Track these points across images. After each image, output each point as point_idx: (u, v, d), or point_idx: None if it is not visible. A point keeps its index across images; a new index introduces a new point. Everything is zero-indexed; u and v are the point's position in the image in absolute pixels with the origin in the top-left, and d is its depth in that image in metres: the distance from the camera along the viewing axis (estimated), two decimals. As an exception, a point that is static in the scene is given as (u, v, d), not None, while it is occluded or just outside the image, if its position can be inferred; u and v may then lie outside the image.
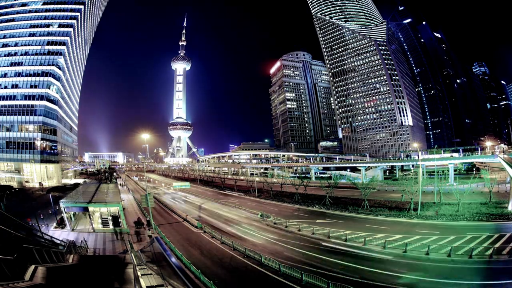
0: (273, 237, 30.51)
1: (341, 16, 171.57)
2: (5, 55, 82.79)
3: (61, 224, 35.39)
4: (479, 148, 76.98)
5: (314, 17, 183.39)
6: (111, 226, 35.34)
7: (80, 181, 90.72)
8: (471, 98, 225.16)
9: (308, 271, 19.88)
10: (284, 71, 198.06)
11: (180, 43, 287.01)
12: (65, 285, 10.75)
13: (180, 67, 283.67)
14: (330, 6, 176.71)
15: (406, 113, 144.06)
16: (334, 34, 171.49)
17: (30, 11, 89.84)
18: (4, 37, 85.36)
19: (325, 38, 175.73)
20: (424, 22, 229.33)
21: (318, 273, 19.71)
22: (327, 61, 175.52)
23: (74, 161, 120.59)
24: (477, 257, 21.66)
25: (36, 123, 77.38)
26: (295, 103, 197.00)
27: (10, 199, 50.18)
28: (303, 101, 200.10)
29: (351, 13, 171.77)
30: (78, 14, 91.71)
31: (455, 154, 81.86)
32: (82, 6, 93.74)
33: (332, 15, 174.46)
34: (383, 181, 73.32)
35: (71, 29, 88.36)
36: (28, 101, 77.94)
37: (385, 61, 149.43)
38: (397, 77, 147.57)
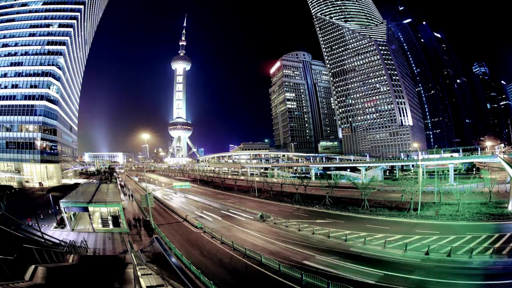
0: (273, 237, 30.51)
1: (341, 16, 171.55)
2: (5, 55, 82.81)
3: (61, 224, 35.38)
4: (479, 148, 76.95)
5: (314, 17, 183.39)
6: (111, 226, 35.35)
7: (80, 181, 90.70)
8: (471, 98, 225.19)
9: (308, 271, 19.87)
10: (284, 71, 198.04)
11: (180, 43, 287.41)
12: (65, 285, 10.74)
13: (180, 67, 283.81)
14: (330, 6, 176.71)
15: (406, 113, 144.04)
16: (334, 34, 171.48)
17: (30, 11, 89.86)
18: (4, 37, 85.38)
19: (325, 38, 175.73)
20: (424, 22, 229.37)
21: (318, 273, 19.71)
22: (327, 61, 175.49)
23: (74, 161, 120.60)
24: (477, 257, 21.64)
25: (36, 123, 77.39)
26: (295, 103, 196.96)
27: (10, 199, 50.24)
28: (303, 101, 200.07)
29: (351, 13, 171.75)
30: (78, 14, 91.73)
31: (455, 154, 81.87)
32: (82, 6, 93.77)
33: (332, 15, 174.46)
34: (383, 181, 73.33)
35: (71, 29, 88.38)
36: (28, 101, 77.96)
37: (385, 61, 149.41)
38: (397, 77, 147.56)
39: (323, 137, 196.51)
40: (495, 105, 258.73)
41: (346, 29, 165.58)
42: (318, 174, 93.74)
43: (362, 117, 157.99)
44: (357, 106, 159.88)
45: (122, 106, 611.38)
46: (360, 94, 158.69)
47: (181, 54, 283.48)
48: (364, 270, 20.42)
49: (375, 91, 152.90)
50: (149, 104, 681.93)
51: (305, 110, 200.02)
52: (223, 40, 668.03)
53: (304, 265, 22.00)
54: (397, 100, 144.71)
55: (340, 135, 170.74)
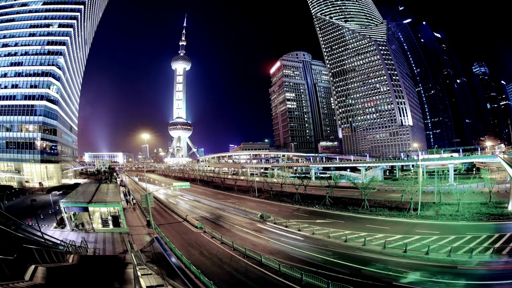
0: (273, 237, 30.51)
1: (341, 16, 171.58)
2: (5, 55, 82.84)
3: (61, 224, 35.39)
4: (479, 148, 76.94)
5: (314, 17, 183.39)
6: (111, 226, 35.36)
7: (80, 181, 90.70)
8: (471, 98, 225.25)
9: (308, 271, 19.85)
10: (284, 71, 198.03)
11: (180, 43, 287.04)
12: (65, 285, 10.74)
13: (180, 67, 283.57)
14: (330, 6, 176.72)
15: (406, 113, 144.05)
16: (334, 34, 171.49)
17: (30, 11, 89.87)
18: (4, 37, 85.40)
19: (325, 38, 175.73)
20: (424, 22, 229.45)
21: (318, 273, 19.69)
22: (327, 61, 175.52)
23: (74, 161, 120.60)
24: (477, 257, 21.63)
25: (36, 123, 77.40)
26: (295, 103, 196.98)
27: (10, 199, 50.23)
28: (303, 101, 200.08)
29: (351, 13, 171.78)
30: (78, 14, 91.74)
31: (455, 154, 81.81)
32: (82, 6, 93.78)
33: (332, 15, 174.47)
34: (383, 181, 73.30)
35: (71, 29, 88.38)
36: (28, 101, 77.98)
37: (385, 61, 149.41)
38: (397, 77, 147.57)
39: (323, 137, 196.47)
40: (495, 105, 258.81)
41: (346, 29, 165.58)
42: (318, 174, 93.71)
43: (362, 117, 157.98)
44: (357, 106, 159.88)
45: (122, 106, 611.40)
46: (360, 94, 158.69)
47: (181, 54, 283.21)
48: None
49: (375, 91, 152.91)
50: (149, 104, 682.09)
51: (305, 110, 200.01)
52: (223, 40, 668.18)
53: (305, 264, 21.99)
54: (397, 100, 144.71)
55: (340, 135, 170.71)
